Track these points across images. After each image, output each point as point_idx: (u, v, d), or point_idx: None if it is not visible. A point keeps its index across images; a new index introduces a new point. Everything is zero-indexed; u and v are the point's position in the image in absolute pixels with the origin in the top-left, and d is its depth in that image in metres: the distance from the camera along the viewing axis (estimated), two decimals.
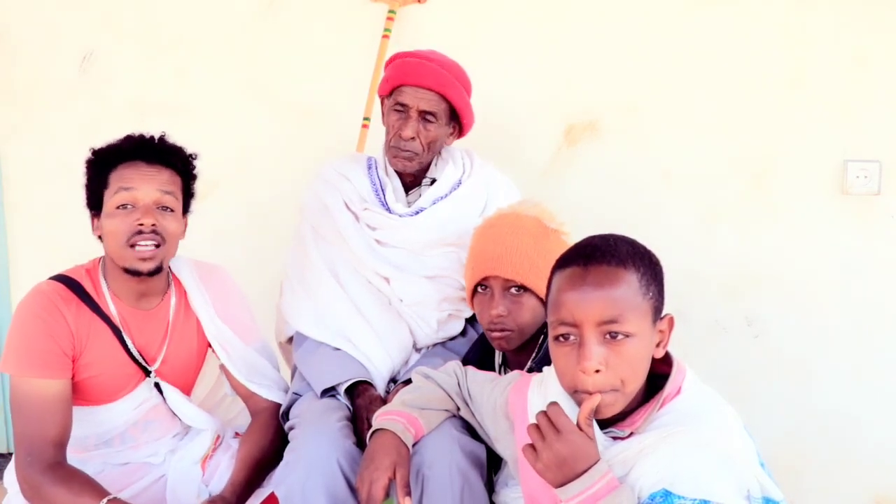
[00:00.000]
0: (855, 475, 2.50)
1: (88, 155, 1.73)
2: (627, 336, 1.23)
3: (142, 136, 1.73)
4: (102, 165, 1.71)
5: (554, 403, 1.24)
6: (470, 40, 2.60)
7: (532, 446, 1.24)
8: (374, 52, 2.57)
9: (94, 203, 1.72)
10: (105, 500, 1.58)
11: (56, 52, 2.85)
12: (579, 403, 1.26)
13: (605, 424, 1.30)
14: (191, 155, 1.78)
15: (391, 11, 2.60)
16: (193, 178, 1.80)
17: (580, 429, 1.22)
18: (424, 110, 1.92)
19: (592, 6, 2.55)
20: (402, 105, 1.93)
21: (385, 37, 2.58)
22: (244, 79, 2.76)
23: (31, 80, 2.87)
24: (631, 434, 1.28)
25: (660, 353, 1.30)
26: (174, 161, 1.73)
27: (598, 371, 1.22)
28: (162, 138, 1.75)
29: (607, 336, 1.23)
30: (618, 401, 1.25)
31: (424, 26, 2.63)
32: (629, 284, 1.25)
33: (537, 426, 1.24)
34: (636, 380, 1.26)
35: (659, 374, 1.31)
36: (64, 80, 2.85)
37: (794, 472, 2.46)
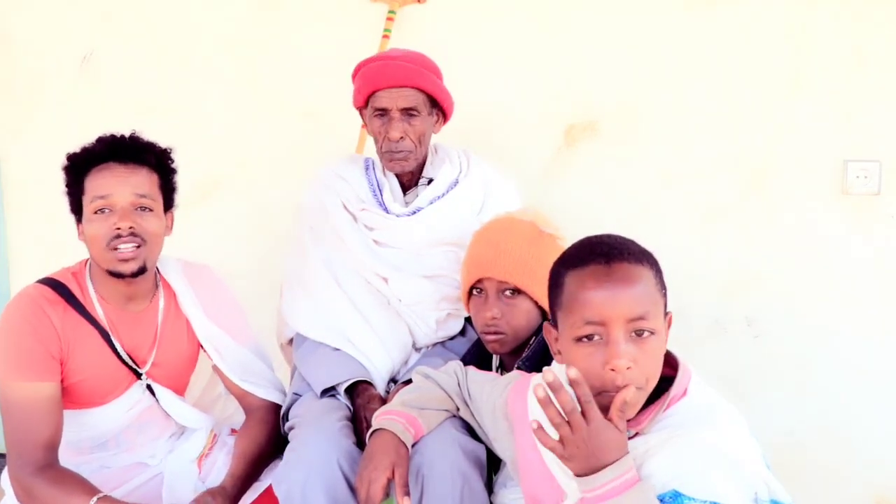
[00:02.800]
0: (855, 475, 2.50)
1: (63, 161, 1.72)
2: (652, 333, 1.23)
3: (113, 137, 1.71)
4: (77, 171, 1.70)
5: (579, 384, 1.18)
6: (470, 40, 2.61)
7: (540, 427, 1.21)
8: (374, 52, 2.57)
9: (76, 208, 1.72)
10: (95, 499, 1.57)
11: (56, 52, 2.85)
12: (601, 404, 1.24)
13: None
14: (165, 150, 1.76)
15: (391, 12, 2.60)
16: (172, 172, 1.77)
17: (612, 421, 1.19)
18: (404, 108, 1.92)
19: (592, 7, 2.55)
20: (382, 109, 1.93)
21: (385, 37, 2.58)
22: (244, 79, 2.76)
23: (31, 80, 2.88)
24: (636, 434, 1.27)
25: (664, 345, 1.30)
26: (148, 158, 1.71)
27: (629, 368, 1.20)
28: (133, 136, 1.73)
29: (633, 334, 1.22)
30: (640, 399, 1.24)
31: (424, 26, 2.63)
32: (649, 281, 1.25)
33: (560, 414, 1.19)
34: (656, 377, 1.26)
35: (661, 376, 1.30)
36: (64, 80, 2.85)
37: (794, 472, 2.46)
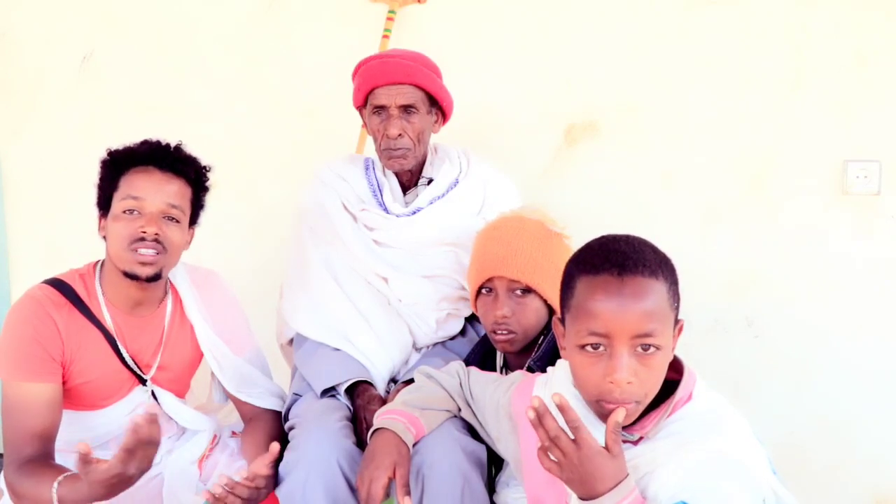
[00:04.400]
0: (855, 475, 2.50)
1: (104, 155, 1.72)
2: (658, 349, 1.22)
3: (158, 143, 1.72)
4: (115, 167, 1.70)
5: (565, 409, 1.17)
6: (470, 40, 2.61)
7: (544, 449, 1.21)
8: (374, 52, 2.57)
9: (104, 203, 1.72)
10: (57, 481, 1.51)
11: (56, 52, 2.85)
12: (599, 412, 1.26)
13: None
14: (205, 167, 1.77)
15: (391, 12, 2.60)
16: (205, 189, 1.79)
17: (608, 445, 1.17)
18: (403, 105, 1.92)
19: (592, 7, 2.55)
20: (380, 107, 1.93)
21: (385, 37, 2.58)
22: (244, 79, 2.76)
23: (31, 80, 2.87)
24: (640, 438, 1.27)
25: (669, 358, 1.28)
26: (187, 171, 1.72)
27: (629, 383, 1.20)
28: (178, 147, 1.74)
29: (638, 349, 1.21)
30: (637, 411, 1.24)
31: (424, 26, 2.63)
32: (661, 296, 1.23)
33: (549, 437, 1.17)
34: (656, 390, 1.25)
35: (665, 379, 1.30)
36: (64, 80, 2.85)
37: (794, 472, 2.46)
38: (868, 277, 2.46)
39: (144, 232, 1.64)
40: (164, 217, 1.68)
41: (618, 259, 1.23)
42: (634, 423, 1.27)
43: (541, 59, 2.59)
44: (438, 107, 2.01)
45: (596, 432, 1.26)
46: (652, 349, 1.21)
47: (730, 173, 2.51)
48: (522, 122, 2.61)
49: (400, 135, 1.92)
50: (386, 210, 1.99)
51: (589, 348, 1.23)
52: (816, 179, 2.46)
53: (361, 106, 2.01)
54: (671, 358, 1.28)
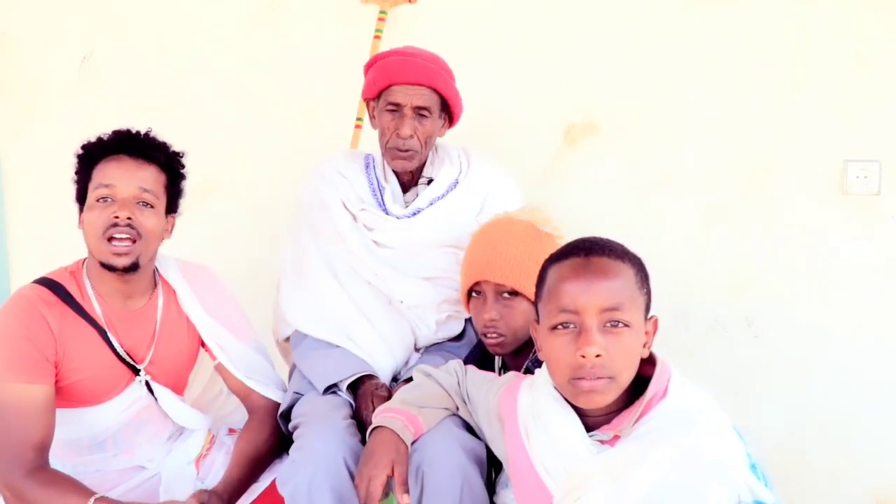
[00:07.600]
0: (855, 475, 2.50)
1: (77, 149, 1.73)
2: (626, 326, 1.26)
3: (128, 131, 1.73)
4: (88, 159, 1.71)
5: None
6: (464, 40, 2.60)
7: None
8: (367, 53, 2.56)
9: (81, 196, 1.73)
10: (93, 500, 1.57)
11: (56, 52, 2.85)
12: (573, 396, 1.27)
13: (590, 428, 1.31)
14: (177, 152, 1.77)
15: (382, 12, 2.58)
16: (180, 175, 1.78)
17: None
18: (418, 106, 1.91)
19: (592, 7, 2.55)
20: (396, 104, 1.92)
21: (377, 38, 2.56)
22: (244, 79, 2.76)
23: (31, 80, 2.87)
24: (616, 437, 1.28)
25: (645, 353, 1.32)
26: (157, 156, 1.72)
27: (598, 356, 1.23)
28: (147, 133, 1.74)
29: (607, 325, 1.25)
30: (611, 391, 1.26)
31: (416, 27, 2.62)
32: (627, 277, 1.28)
33: None
34: (628, 373, 1.28)
35: (645, 377, 1.31)
36: (64, 80, 2.85)
37: (794, 473, 2.46)
38: (868, 277, 2.46)
39: (117, 217, 1.65)
40: (137, 202, 1.67)
41: (585, 245, 1.32)
42: (609, 421, 1.28)
43: (540, 59, 2.58)
44: (448, 111, 2.00)
45: (571, 427, 1.29)
46: (621, 325, 1.25)
47: (730, 173, 2.51)
48: (522, 122, 2.61)
49: (411, 136, 1.92)
50: (386, 211, 1.99)
51: (560, 328, 1.27)
52: (816, 179, 2.46)
53: (372, 99, 1.99)
54: (643, 346, 1.30)
